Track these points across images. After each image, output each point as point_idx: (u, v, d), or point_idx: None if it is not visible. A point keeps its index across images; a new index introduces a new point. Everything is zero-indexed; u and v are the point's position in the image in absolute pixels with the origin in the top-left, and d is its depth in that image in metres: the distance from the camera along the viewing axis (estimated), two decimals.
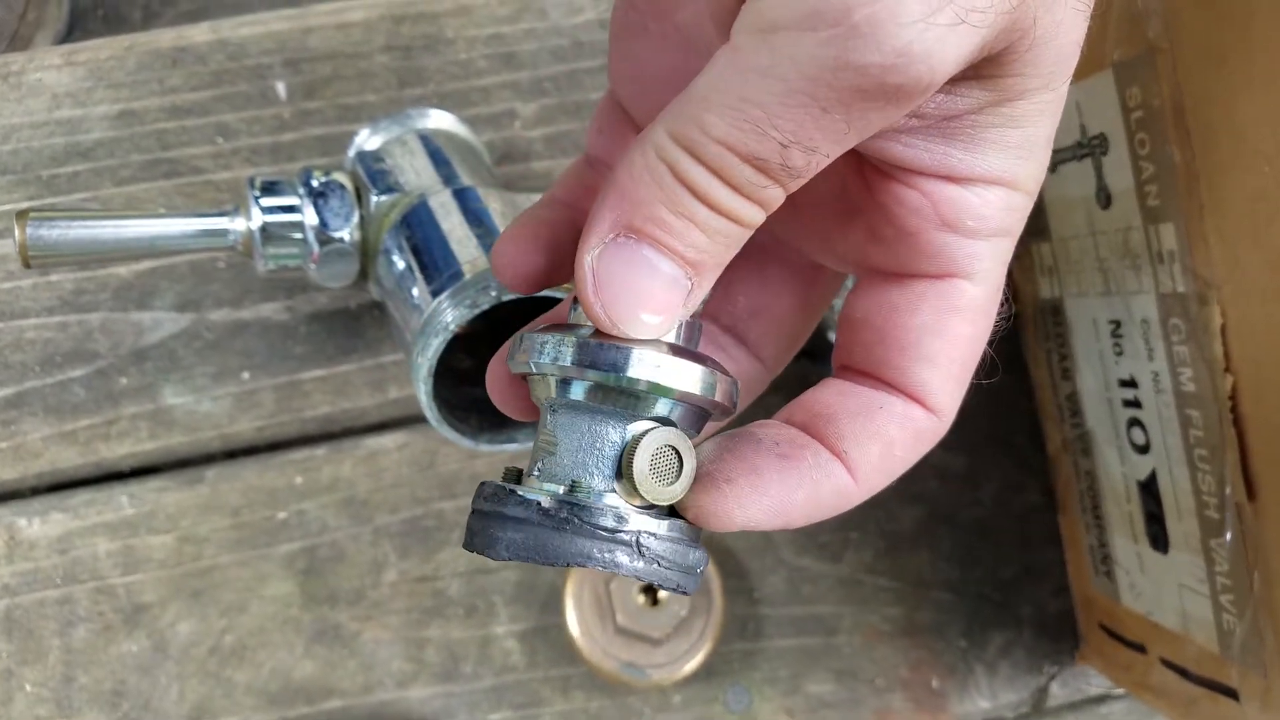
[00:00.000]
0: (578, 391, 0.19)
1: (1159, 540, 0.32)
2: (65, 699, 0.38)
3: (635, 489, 0.19)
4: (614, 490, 0.19)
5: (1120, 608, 0.37)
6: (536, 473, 0.20)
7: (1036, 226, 0.37)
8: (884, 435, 0.20)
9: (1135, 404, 0.32)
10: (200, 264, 0.39)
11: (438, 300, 0.29)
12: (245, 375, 0.39)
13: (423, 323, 0.29)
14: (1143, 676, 0.36)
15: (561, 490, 0.19)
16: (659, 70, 0.23)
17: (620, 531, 0.19)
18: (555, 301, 0.28)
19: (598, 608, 0.37)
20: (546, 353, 0.19)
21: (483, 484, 0.20)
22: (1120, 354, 0.32)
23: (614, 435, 0.20)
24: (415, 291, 0.30)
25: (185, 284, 0.39)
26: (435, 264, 0.30)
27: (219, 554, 0.39)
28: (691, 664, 0.37)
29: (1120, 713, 0.41)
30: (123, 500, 0.39)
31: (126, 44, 0.39)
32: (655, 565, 0.19)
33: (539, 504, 0.19)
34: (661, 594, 0.37)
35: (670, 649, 0.37)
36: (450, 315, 0.28)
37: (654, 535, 0.19)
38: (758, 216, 0.18)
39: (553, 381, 0.20)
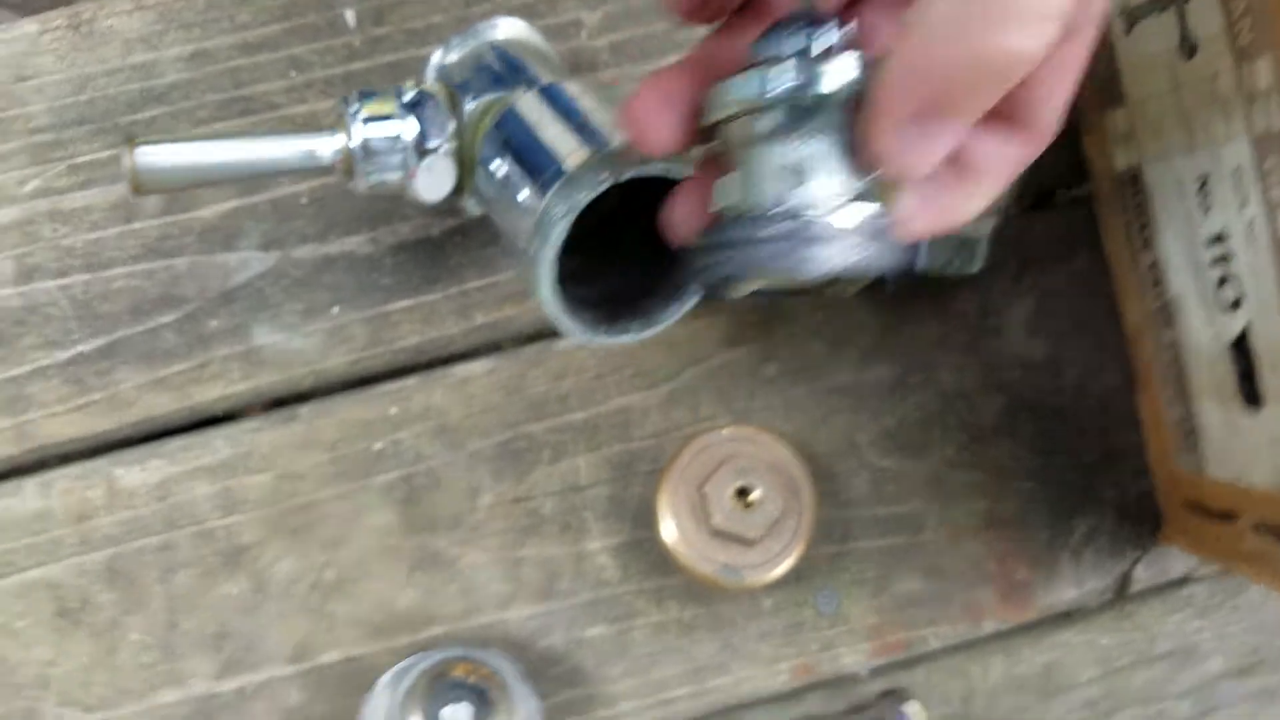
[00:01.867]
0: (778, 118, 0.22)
1: (1252, 397, 0.33)
2: (170, 645, 0.38)
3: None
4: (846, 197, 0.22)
5: (1205, 480, 0.37)
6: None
7: (1110, 94, 0.37)
8: None
9: (1224, 260, 0.32)
10: (282, 201, 0.39)
11: (549, 194, 0.29)
12: (334, 310, 0.39)
13: (538, 217, 0.29)
14: (1234, 545, 0.36)
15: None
16: None
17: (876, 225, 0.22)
18: (664, 183, 0.29)
19: (693, 513, 0.37)
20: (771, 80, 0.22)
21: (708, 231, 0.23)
22: (1208, 210, 0.32)
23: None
24: (521, 195, 0.30)
25: (269, 223, 0.39)
26: (538, 164, 0.30)
27: (317, 489, 0.39)
28: (786, 564, 0.37)
29: (1203, 593, 0.41)
30: (219, 443, 0.39)
31: None
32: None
33: (789, 219, 0.21)
34: (754, 495, 0.37)
35: (765, 549, 0.37)
36: (564, 205, 0.28)
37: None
38: None
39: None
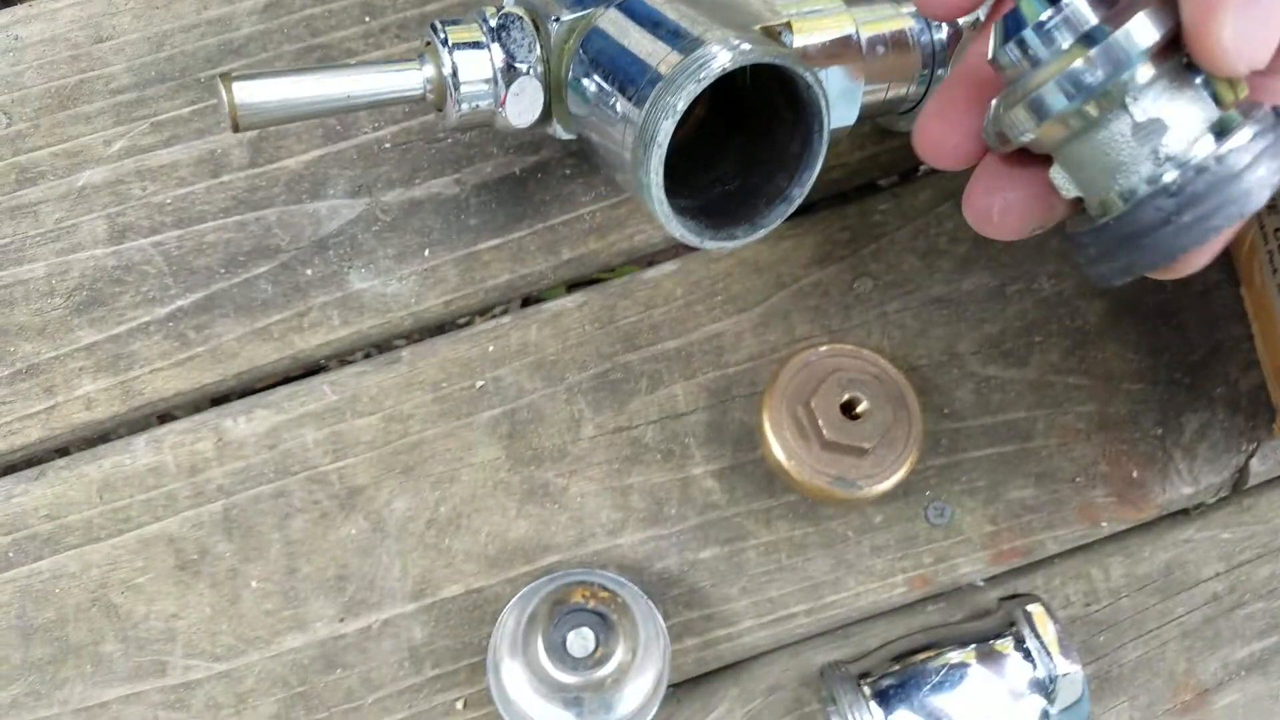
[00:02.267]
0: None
1: None
2: (291, 590, 0.39)
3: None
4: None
5: None
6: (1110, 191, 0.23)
7: None
8: None
9: None
10: (366, 147, 0.39)
11: (651, 96, 0.29)
12: (426, 253, 0.39)
13: (641, 120, 0.29)
14: None
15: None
16: None
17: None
18: (775, 71, 0.28)
19: (799, 429, 0.37)
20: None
21: (1076, 235, 0.24)
22: None
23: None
24: (619, 106, 0.30)
25: (355, 169, 0.39)
26: (631, 74, 0.30)
27: (424, 428, 0.39)
28: (900, 472, 0.37)
29: None
30: (324, 389, 0.39)
31: None
32: None
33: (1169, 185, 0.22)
34: (862, 406, 0.37)
35: (877, 458, 0.37)
36: (671, 101, 0.28)
37: None
38: None
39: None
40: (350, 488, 0.39)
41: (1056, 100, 0.22)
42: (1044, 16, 0.22)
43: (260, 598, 0.39)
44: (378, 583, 0.39)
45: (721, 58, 0.28)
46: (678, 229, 0.30)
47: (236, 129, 0.31)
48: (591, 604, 0.37)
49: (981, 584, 0.40)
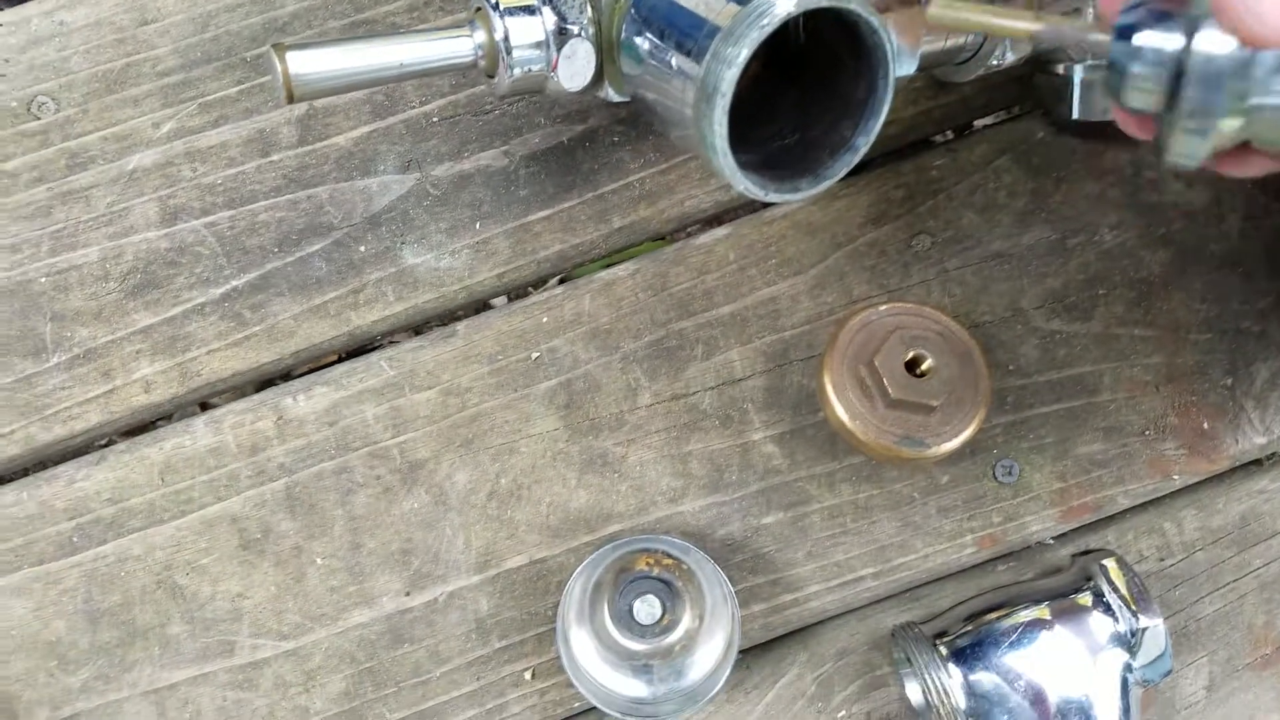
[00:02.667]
0: None
1: None
2: (356, 565, 0.39)
3: None
4: None
5: None
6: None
7: None
8: None
9: None
10: (414, 121, 0.39)
11: (711, 47, 0.29)
12: (477, 225, 0.39)
13: (702, 73, 0.29)
14: None
15: None
16: None
17: None
18: (836, 16, 0.28)
19: (863, 389, 0.37)
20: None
21: None
22: None
23: None
24: (676, 61, 0.30)
25: (403, 144, 0.39)
26: (687, 29, 0.30)
27: (482, 401, 0.39)
28: (969, 430, 0.37)
29: None
30: (382, 365, 0.40)
31: None
32: None
33: None
34: (927, 364, 0.37)
35: (945, 415, 0.37)
36: (733, 50, 0.28)
37: None
38: None
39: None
40: (411, 462, 0.39)
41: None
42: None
43: (325, 574, 0.39)
44: (442, 555, 0.39)
45: (783, 4, 0.28)
46: (742, 182, 0.30)
47: (291, 99, 0.31)
48: (656, 571, 0.37)
49: (1052, 541, 0.40)
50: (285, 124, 0.39)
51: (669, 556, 0.37)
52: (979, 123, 0.42)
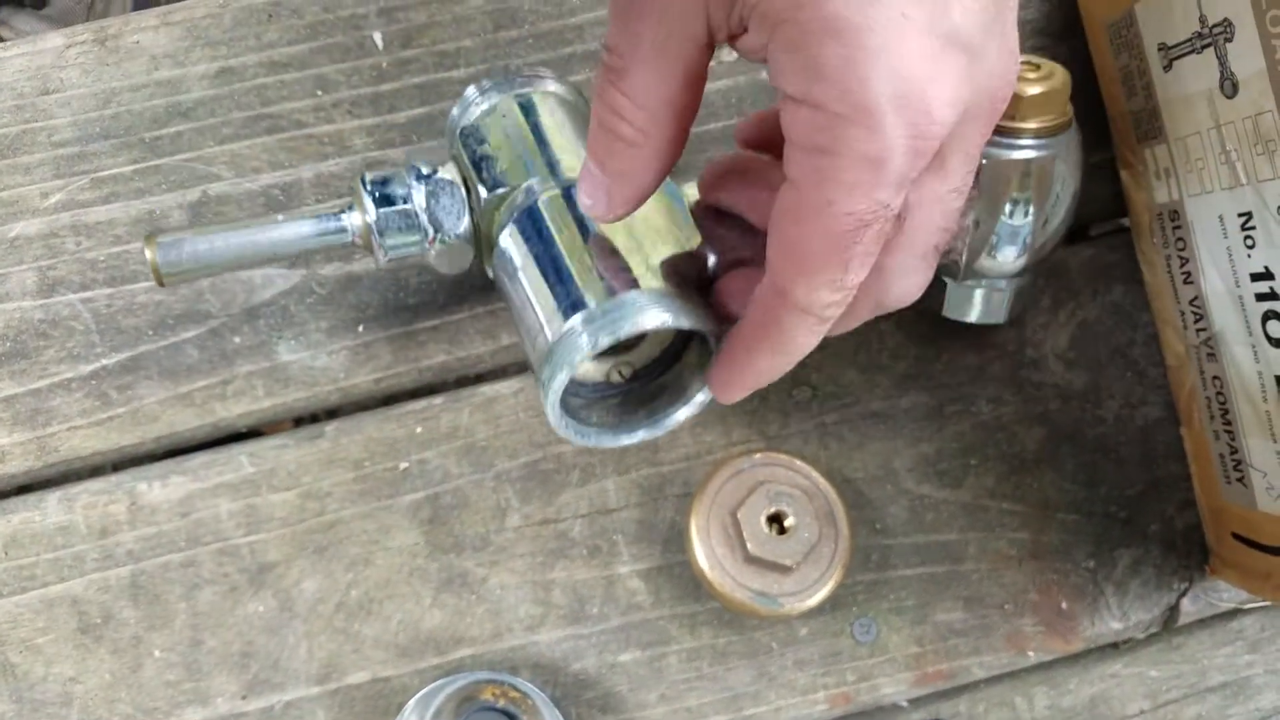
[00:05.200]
0: None
1: None
2: (194, 662, 0.41)
3: None
4: None
5: (1256, 514, 0.39)
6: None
7: (1149, 130, 0.40)
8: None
9: (1271, 295, 0.34)
10: None
11: (561, 333, 0.31)
12: (360, 329, 0.42)
13: (546, 352, 0.31)
14: None
15: None
16: None
17: None
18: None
19: (725, 539, 0.40)
20: None
21: None
22: (1252, 246, 0.34)
23: None
24: (532, 314, 0.33)
25: None
26: (553, 287, 0.32)
27: (342, 508, 0.41)
28: (823, 591, 0.40)
29: (1254, 626, 0.44)
30: (242, 459, 0.41)
31: (221, 1, 0.42)
32: None
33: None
34: (789, 521, 0.40)
35: (801, 576, 0.40)
36: (568, 360, 0.30)
37: None
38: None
39: None
40: (261, 563, 0.41)
41: None
42: None
43: (162, 668, 0.41)
44: (283, 662, 0.41)
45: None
46: (573, 439, 0.33)
47: (162, 284, 0.34)
48: (501, 702, 0.39)
49: (905, 705, 0.43)
50: (177, 207, 0.41)
51: (516, 689, 0.39)
52: None
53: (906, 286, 0.29)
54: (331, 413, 0.42)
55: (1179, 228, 0.39)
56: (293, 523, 0.41)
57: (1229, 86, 0.34)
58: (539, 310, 0.32)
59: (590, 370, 0.35)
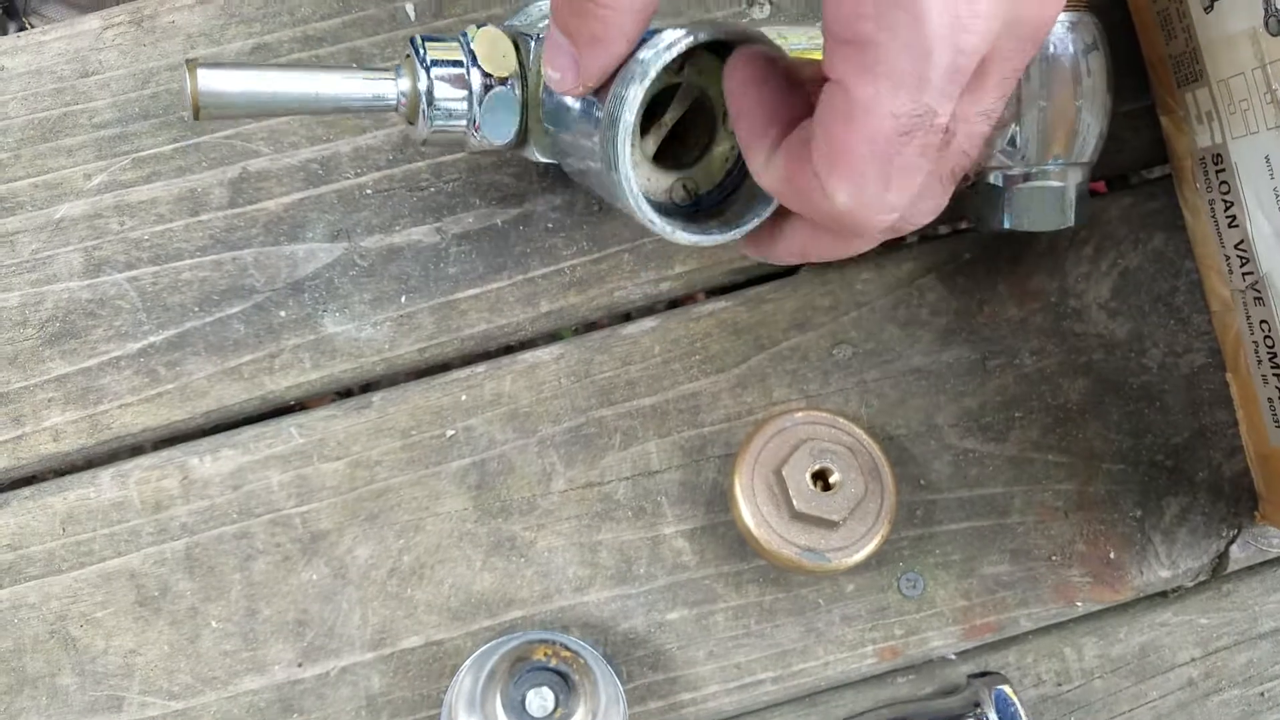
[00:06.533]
0: None
1: None
2: (250, 632, 0.43)
3: None
4: None
5: None
6: None
7: (1189, 73, 0.40)
8: None
9: None
10: (347, 192, 0.43)
11: (613, 87, 0.31)
12: (403, 299, 0.43)
13: (608, 106, 0.31)
14: None
15: None
16: None
17: None
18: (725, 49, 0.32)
19: (770, 497, 0.41)
20: None
21: None
22: None
23: None
24: (589, 111, 0.33)
25: (334, 214, 0.43)
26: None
27: (391, 476, 0.43)
28: (870, 545, 0.41)
29: None
30: (292, 431, 0.43)
31: None
32: None
33: None
34: (834, 478, 0.41)
35: (848, 531, 0.41)
36: (635, 83, 0.30)
37: None
38: None
39: None
40: (313, 532, 0.43)
41: None
42: None
43: (219, 638, 0.43)
44: (337, 629, 0.43)
45: (672, 38, 0.31)
46: (653, 219, 0.33)
47: (197, 116, 0.33)
48: (554, 662, 0.40)
49: (953, 657, 0.44)
50: (217, 185, 0.43)
51: (568, 649, 0.40)
52: (910, 239, 0.46)
53: (923, 208, 0.29)
54: (378, 383, 0.44)
55: (1222, 171, 0.40)
56: (343, 491, 0.43)
57: (1274, 24, 0.35)
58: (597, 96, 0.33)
59: (654, 184, 0.35)
